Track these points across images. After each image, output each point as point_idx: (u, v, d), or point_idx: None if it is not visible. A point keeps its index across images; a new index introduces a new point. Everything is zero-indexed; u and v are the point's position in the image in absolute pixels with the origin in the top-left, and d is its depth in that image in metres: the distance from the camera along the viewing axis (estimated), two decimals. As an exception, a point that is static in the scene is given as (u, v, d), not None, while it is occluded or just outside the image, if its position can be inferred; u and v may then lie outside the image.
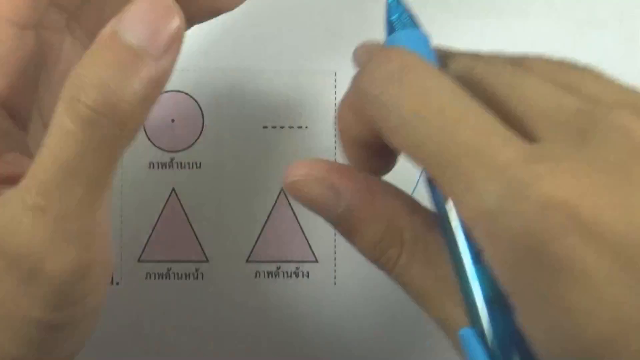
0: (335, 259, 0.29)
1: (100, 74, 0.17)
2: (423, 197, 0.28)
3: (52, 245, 0.18)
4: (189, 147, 0.29)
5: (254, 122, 0.29)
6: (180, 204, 0.29)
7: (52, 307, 0.18)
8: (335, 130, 0.29)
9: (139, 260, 0.29)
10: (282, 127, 0.29)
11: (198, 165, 0.29)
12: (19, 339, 0.19)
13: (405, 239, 0.19)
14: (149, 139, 0.29)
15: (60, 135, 0.17)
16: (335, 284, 0.29)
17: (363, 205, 0.19)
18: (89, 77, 0.17)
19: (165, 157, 0.29)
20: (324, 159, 0.20)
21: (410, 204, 0.20)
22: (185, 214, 0.29)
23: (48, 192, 0.17)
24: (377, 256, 0.19)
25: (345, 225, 0.19)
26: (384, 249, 0.19)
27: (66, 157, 0.17)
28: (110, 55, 0.17)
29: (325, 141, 0.29)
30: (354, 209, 0.19)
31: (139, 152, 0.29)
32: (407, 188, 0.28)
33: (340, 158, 0.28)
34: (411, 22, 0.20)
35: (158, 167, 0.29)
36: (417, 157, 0.17)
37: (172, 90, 0.29)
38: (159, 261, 0.29)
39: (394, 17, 0.20)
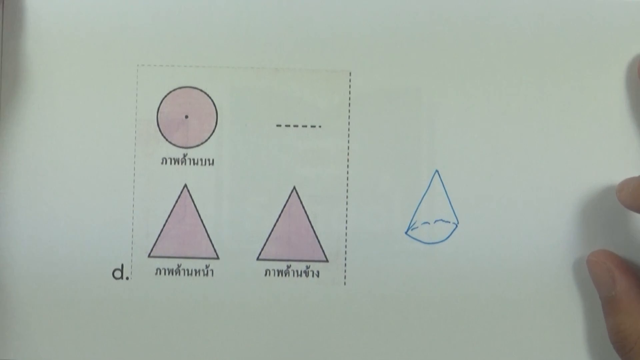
0: (345, 258, 0.29)
1: None
2: (428, 209, 0.28)
3: None
4: (202, 143, 0.29)
5: (267, 120, 0.29)
6: (192, 200, 0.29)
7: None
8: (349, 130, 0.29)
9: (149, 256, 0.29)
10: (295, 126, 0.29)
11: (211, 162, 0.29)
12: None
13: None
14: (162, 135, 0.29)
15: None
16: (345, 283, 0.29)
17: (626, 299, 0.26)
18: None
19: (178, 153, 0.29)
20: (617, 255, 0.27)
21: None
22: (197, 211, 0.29)
23: None
24: (614, 339, 0.27)
25: (608, 305, 0.27)
26: (622, 337, 0.26)
27: None
28: None
29: (338, 140, 0.29)
30: (618, 298, 0.26)
31: (151, 147, 0.29)
32: (418, 194, 0.28)
33: (353, 157, 0.28)
34: None
35: (171, 163, 0.29)
36: None
37: (186, 87, 0.29)
38: (169, 257, 0.29)
39: None
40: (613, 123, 0.29)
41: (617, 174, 0.28)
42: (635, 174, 0.28)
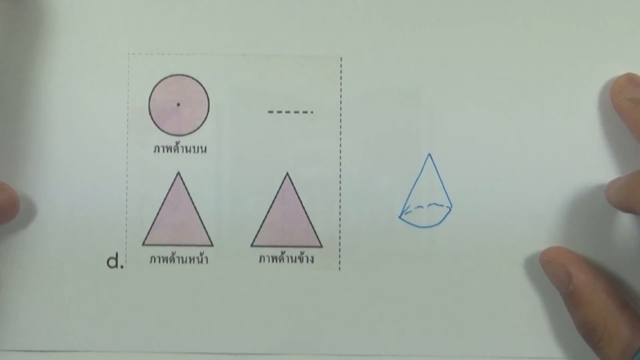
0: (339, 244, 0.29)
1: None
2: (422, 193, 0.28)
3: None
4: (195, 131, 0.29)
5: (259, 107, 0.29)
6: (186, 187, 0.29)
7: None
8: (340, 115, 0.29)
9: (143, 244, 0.29)
10: (287, 112, 0.29)
11: (203, 149, 0.29)
12: None
13: (608, 328, 0.26)
14: (155, 123, 0.29)
15: None
16: (339, 269, 0.29)
17: (585, 291, 0.26)
18: None
19: (171, 141, 0.29)
20: (569, 250, 0.28)
21: (622, 301, 0.26)
22: (190, 198, 0.29)
23: None
24: (582, 331, 0.27)
25: (569, 301, 0.27)
26: (590, 329, 0.26)
27: None
28: None
29: (330, 126, 0.29)
30: (578, 292, 0.26)
31: (144, 135, 0.29)
32: (407, 185, 0.28)
33: (345, 142, 0.28)
34: None
35: (163, 151, 0.29)
36: None
37: (177, 75, 0.29)
38: (163, 245, 0.29)
39: None
40: (606, 115, 0.29)
41: (607, 159, 0.28)
42: (626, 167, 0.28)
